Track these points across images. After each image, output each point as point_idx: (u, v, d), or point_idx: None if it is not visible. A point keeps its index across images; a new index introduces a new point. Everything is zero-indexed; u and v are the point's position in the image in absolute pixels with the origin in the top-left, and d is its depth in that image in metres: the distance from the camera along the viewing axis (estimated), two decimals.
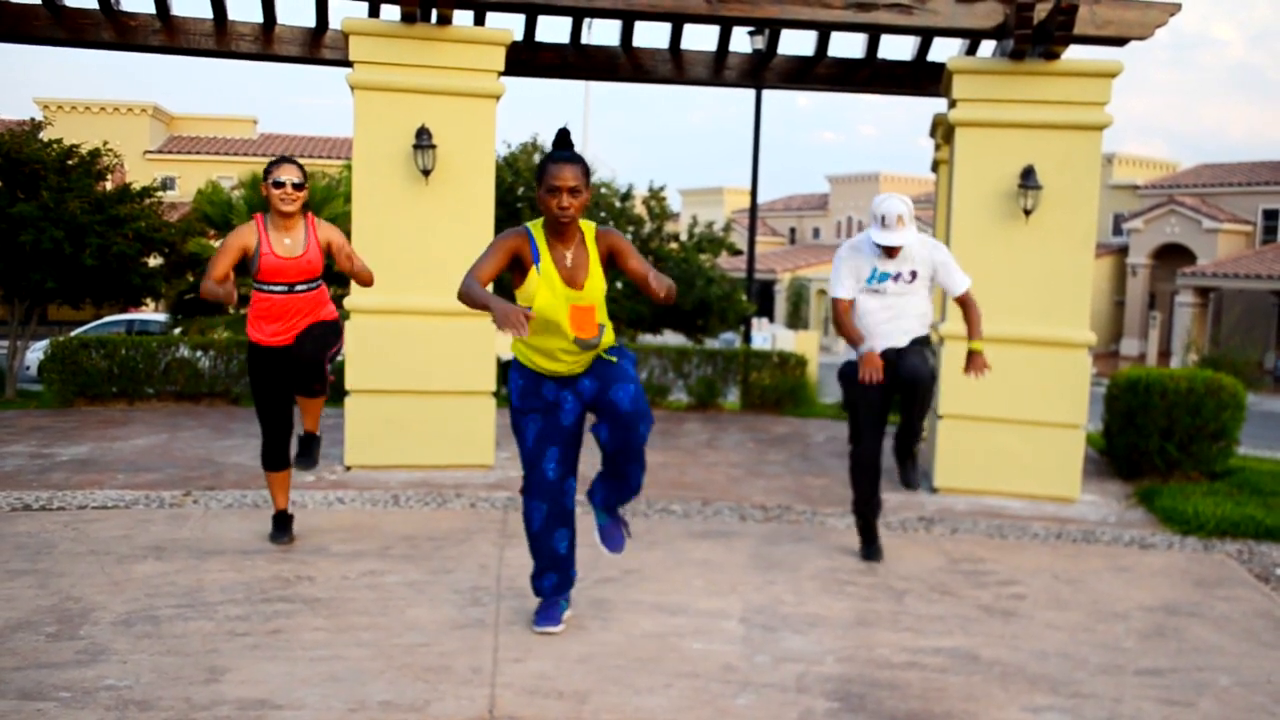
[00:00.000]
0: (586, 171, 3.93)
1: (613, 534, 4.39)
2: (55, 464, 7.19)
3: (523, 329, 3.56)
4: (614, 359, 4.09)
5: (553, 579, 4.35)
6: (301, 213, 5.07)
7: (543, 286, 3.93)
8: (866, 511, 5.60)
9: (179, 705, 3.46)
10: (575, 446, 4.26)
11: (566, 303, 3.95)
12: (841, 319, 5.40)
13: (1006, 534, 6.40)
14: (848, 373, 5.44)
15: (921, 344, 5.43)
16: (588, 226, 4.04)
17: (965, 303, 5.44)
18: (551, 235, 3.97)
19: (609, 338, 4.11)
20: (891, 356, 5.32)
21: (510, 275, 4.04)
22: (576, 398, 4.14)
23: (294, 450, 5.50)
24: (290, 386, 5.24)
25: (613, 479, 4.26)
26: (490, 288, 3.94)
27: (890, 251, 5.26)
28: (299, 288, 5.03)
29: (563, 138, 4.03)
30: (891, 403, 5.47)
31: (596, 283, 3.99)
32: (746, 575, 5.25)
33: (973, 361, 5.39)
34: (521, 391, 4.16)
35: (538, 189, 3.91)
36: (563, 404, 4.14)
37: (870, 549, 5.64)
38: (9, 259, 10.36)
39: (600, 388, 4.04)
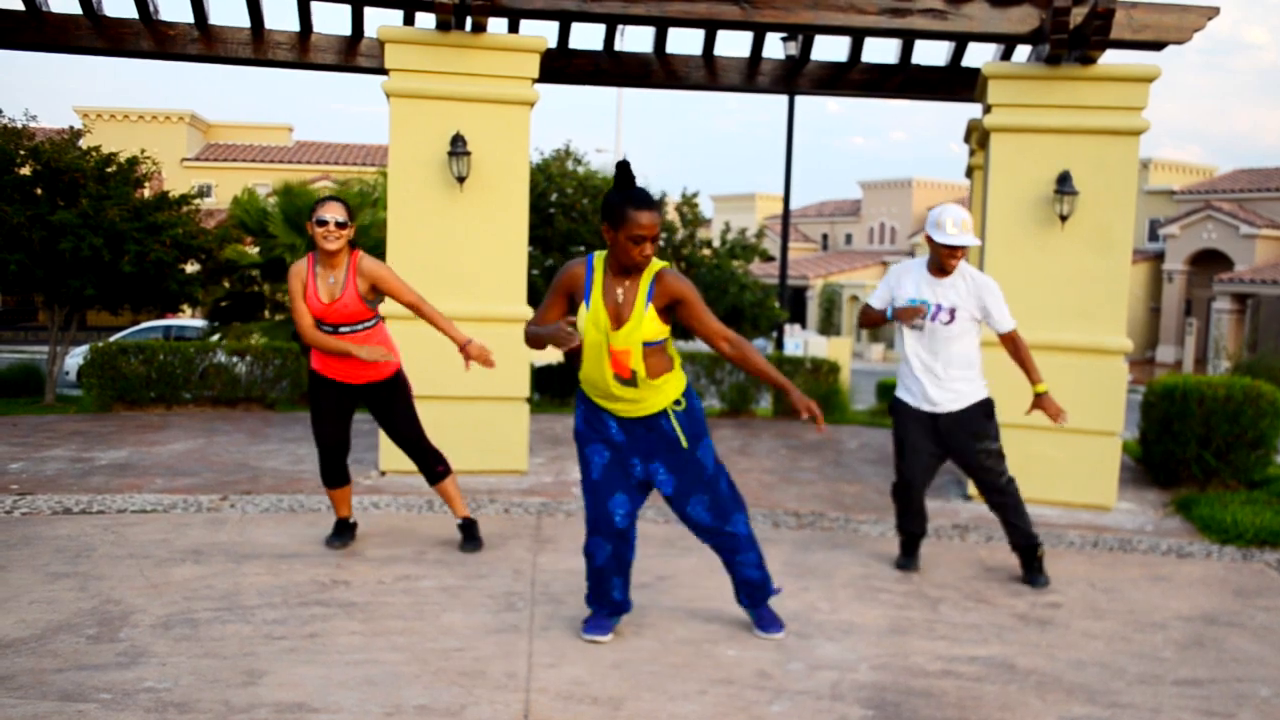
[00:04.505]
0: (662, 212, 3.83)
1: (767, 620, 4.45)
2: (94, 468, 7.29)
3: (573, 339, 3.70)
4: (684, 438, 4.02)
5: (603, 610, 4.31)
6: (349, 249, 5.12)
7: (589, 324, 3.86)
8: (904, 526, 5.56)
9: (217, 708, 3.49)
10: (643, 496, 4.19)
11: (610, 340, 3.85)
12: (862, 317, 5.52)
13: (1042, 542, 6.33)
14: (897, 407, 5.41)
15: (983, 413, 5.26)
16: (650, 267, 3.87)
17: (1014, 341, 5.24)
18: (613, 270, 3.87)
19: (662, 395, 3.97)
20: (943, 428, 5.24)
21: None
22: (645, 473, 4.10)
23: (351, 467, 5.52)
24: (348, 417, 5.32)
25: (729, 571, 4.37)
26: None
27: (945, 266, 5.14)
28: (343, 329, 5.09)
29: (624, 172, 3.76)
30: (941, 456, 5.37)
31: (636, 326, 3.82)
32: (780, 582, 5.22)
33: (1043, 404, 5.21)
34: (584, 416, 4.11)
35: (612, 229, 3.73)
36: (632, 464, 4.09)
37: (906, 560, 5.61)
38: (49, 266, 10.51)
39: (677, 491, 4.08)
